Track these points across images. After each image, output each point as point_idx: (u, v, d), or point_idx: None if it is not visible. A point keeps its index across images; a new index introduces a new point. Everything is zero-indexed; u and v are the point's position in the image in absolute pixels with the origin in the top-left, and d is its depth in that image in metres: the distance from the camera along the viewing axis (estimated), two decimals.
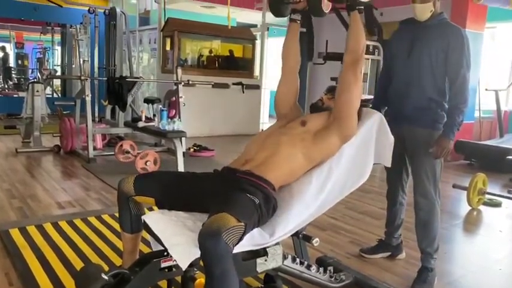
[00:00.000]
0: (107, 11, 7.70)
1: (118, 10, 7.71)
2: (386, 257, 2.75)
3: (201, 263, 1.50)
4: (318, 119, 2.01)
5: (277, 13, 2.13)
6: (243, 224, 1.50)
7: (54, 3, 7.37)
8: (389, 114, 2.50)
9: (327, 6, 1.99)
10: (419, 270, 2.48)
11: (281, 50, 2.15)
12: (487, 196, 4.09)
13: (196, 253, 1.52)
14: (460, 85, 2.27)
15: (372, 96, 2.81)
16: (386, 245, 2.77)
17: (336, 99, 1.98)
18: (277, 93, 2.16)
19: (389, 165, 2.15)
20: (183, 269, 1.56)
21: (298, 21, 2.09)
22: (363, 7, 1.92)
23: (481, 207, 4.04)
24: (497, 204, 4.13)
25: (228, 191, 1.67)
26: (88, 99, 5.07)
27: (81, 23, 8.78)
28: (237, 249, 1.54)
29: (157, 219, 1.75)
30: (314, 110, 2.12)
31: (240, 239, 1.51)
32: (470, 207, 3.98)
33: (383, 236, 2.80)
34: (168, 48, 7.53)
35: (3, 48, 12.31)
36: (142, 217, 1.78)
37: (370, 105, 2.59)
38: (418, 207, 2.45)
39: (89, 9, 7.88)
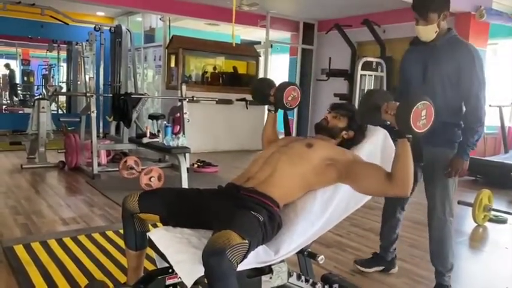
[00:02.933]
0: (112, 29, 7.80)
1: (123, 28, 7.81)
2: (379, 271, 2.75)
3: (206, 280, 1.50)
4: (326, 149, 1.94)
5: (258, 102, 2.42)
6: (247, 241, 1.50)
7: (61, 21, 7.47)
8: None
9: (291, 104, 2.23)
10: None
11: (262, 131, 2.39)
12: (493, 213, 4.06)
13: (201, 270, 1.51)
14: (473, 105, 2.25)
15: None
16: (381, 259, 2.76)
17: (360, 170, 1.84)
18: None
19: None
20: (188, 287, 1.55)
21: (273, 111, 2.32)
22: (411, 136, 1.70)
23: (487, 224, 4.01)
24: (503, 221, 4.09)
25: (233, 209, 1.67)
26: (93, 115, 5.12)
27: (87, 40, 8.89)
28: (241, 267, 1.54)
29: (162, 236, 1.75)
30: (319, 130, 2.12)
31: (244, 257, 1.51)
32: (475, 224, 3.95)
33: (377, 250, 2.81)
34: (172, 65, 7.60)
35: (7, 66, 12.45)
36: (148, 234, 1.78)
37: None
38: (431, 226, 2.44)
39: (94, 26, 7.98)
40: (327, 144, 2.01)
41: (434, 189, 2.39)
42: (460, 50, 2.26)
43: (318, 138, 2.10)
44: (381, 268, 2.75)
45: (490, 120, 6.84)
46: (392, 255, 2.76)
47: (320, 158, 1.88)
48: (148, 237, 1.77)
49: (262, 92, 2.31)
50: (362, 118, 1.94)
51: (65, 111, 10.90)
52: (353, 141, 2.09)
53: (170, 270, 1.74)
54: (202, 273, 1.52)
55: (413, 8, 2.28)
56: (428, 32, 2.27)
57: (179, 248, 1.66)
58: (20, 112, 10.53)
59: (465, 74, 2.23)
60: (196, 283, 1.56)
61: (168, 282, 1.75)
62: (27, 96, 12.47)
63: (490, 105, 6.62)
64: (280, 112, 2.36)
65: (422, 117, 1.63)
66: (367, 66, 6.63)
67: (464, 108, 2.31)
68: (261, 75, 8.34)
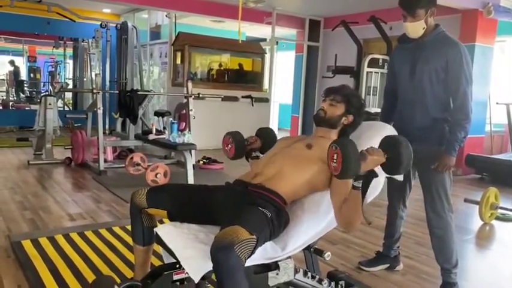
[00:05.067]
0: (118, 26, 7.81)
1: (129, 24, 7.82)
2: (385, 269, 2.75)
3: (213, 276, 1.51)
4: (323, 148, 1.84)
5: (241, 156, 2.32)
6: (255, 237, 1.51)
7: (67, 17, 7.50)
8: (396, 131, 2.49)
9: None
10: (441, 286, 2.47)
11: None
12: (500, 211, 4.05)
13: (209, 266, 1.52)
14: (460, 101, 2.26)
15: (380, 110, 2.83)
16: (385, 257, 2.77)
17: (335, 182, 1.78)
18: None
19: (401, 178, 2.15)
20: (195, 282, 1.56)
21: (258, 158, 2.27)
22: (359, 186, 1.67)
23: (493, 222, 3.99)
24: (510, 219, 4.07)
25: (240, 205, 1.67)
26: (100, 112, 5.13)
27: (93, 37, 8.93)
28: (249, 263, 1.54)
29: (169, 232, 1.75)
30: (318, 122, 2.06)
31: (252, 252, 1.51)
32: (482, 222, 3.93)
33: (381, 248, 2.81)
34: (178, 62, 7.61)
35: (12, 62, 12.51)
36: (155, 229, 1.79)
37: (379, 119, 2.60)
38: (431, 224, 2.44)
39: (101, 23, 7.99)
40: (326, 145, 1.89)
41: (431, 187, 2.39)
42: (448, 46, 2.27)
43: (318, 136, 2.05)
44: (386, 266, 2.76)
45: (497, 119, 6.82)
46: (395, 253, 2.77)
47: (319, 159, 1.86)
48: (156, 232, 1.78)
49: (243, 142, 2.30)
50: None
51: (71, 108, 10.95)
52: (353, 124, 2.06)
53: (177, 266, 1.75)
54: (210, 269, 1.53)
55: (400, 4, 2.29)
56: (416, 29, 2.28)
57: (186, 244, 1.67)
58: (26, 109, 10.59)
59: (453, 70, 2.24)
60: (203, 278, 1.57)
61: (175, 277, 1.76)
62: (34, 92, 12.54)
63: (497, 103, 6.59)
64: None
65: (334, 159, 1.61)
66: (373, 63, 6.59)
67: (451, 105, 2.32)
68: (266, 72, 8.33)
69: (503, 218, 4.06)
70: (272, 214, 1.67)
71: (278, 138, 2.33)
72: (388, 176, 2.06)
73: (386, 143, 1.75)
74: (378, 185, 1.99)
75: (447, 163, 2.28)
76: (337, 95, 2.04)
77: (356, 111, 2.04)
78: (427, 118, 2.36)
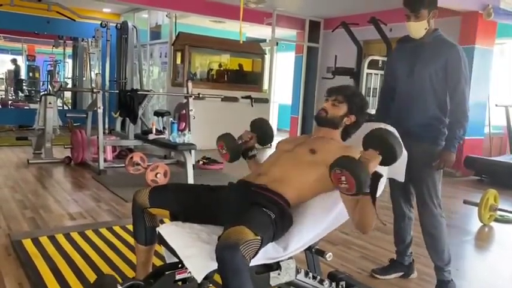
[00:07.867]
0: (118, 25, 7.80)
1: (130, 24, 7.82)
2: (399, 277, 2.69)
3: (215, 276, 1.51)
4: (330, 154, 1.79)
5: (237, 159, 2.23)
6: (259, 237, 1.51)
7: (67, 17, 7.50)
8: None
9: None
10: (436, 286, 2.47)
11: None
12: (499, 212, 4.06)
13: (212, 266, 1.53)
14: (459, 100, 2.33)
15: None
16: (399, 265, 2.71)
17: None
18: None
19: (402, 180, 2.15)
20: (198, 282, 1.57)
21: (255, 154, 2.25)
22: (368, 191, 1.66)
23: (493, 224, 4.00)
24: (509, 221, 4.09)
25: (244, 205, 1.68)
26: (100, 111, 5.13)
27: (93, 37, 8.92)
28: (251, 263, 1.55)
29: (172, 232, 1.76)
30: (320, 122, 2.03)
31: (256, 253, 1.52)
32: (481, 224, 3.94)
33: (394, 256, 2.75)
34: (178, 62, 7.61)
35: (14, 61, 12.50)
36: (157, 229, 1.79)
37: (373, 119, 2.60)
38: (423, 223, 2.47)
39: (101, 23, 7.99)
40: (331, 148, 1.90)
41: (423, 186, 2.42)
42: (447, 48, 2.34)
43: (319, 137, 2.01)
44: (400, 274, 2.69)
45: (497, 121, 6.84)
46: (409, 260, 2.71)
47: (323, 164, 1.79)
48: (158, 232, 1.78)
49: (237, 146, 2.21)
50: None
51: (70, 107, 10.94)
52: (356, 124, 2.04)
53: (180, 265, 1.75)
54: (212, 268, 1.53)
55: (405, 5, 2.36)
56: (418, 29, 2.35)
57: (189, 243, 1.67)
58: (25, 108, 10.57)
59: (452, 71, 2.32)
60: (205, 278, 1.57)
61: (178, 277, 1.76)
62: (33, 91, 12.53)
63: (496, 105, 6.61)
64: None
65: (343, 181, 1.58)
66: (373, 64, 6.62)
67: (449, 104, 2.38)
68: (266, 72, 8.34)
69: (503, 220, 4.07)
70: (276, 215, 1.67)
71: (275, 134, 2.34)
72: (389, 177, 2.08)
73: (372, 141, 1.73)
74: (380, 186, 1.99)
75: (448, 159, 2.32)
76: (340, 95, 2.03)
77: (358, 111, 2.04)
78: (424, 115, 2.40)
